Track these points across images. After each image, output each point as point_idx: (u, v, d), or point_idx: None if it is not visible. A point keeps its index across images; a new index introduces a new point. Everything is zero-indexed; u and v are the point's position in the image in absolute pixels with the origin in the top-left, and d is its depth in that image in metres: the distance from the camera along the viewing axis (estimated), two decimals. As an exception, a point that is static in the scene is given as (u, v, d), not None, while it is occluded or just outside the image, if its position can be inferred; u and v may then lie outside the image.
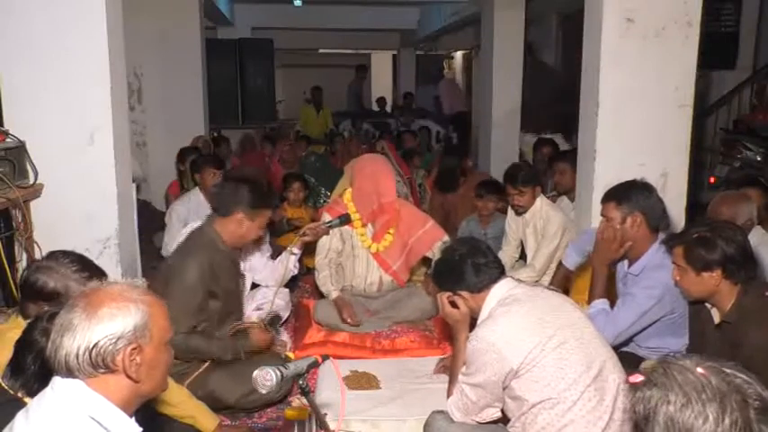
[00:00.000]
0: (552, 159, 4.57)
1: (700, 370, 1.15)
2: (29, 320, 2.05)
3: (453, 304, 2.28)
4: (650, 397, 1.15)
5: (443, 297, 2.30)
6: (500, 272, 2.23)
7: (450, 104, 11.64)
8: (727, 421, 1.09)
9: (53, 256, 2.22)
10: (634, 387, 1.19)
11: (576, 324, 2.09)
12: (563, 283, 3.40)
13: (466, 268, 2.20)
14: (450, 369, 2.42)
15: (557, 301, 2.20)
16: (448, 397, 2.27)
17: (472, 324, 2.26)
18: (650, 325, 2.68)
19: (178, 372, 2.66)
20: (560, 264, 3.42)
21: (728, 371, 1.15)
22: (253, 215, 2.87)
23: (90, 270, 2.13)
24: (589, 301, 2.76)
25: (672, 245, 2.36)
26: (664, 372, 1.16)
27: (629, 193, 2.75)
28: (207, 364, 2.77)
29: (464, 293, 2.23)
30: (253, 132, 8.19)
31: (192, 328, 2.74)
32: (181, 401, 2.37)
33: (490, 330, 2.05)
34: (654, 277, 2.63)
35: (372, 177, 3.60)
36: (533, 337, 2.00)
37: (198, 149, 5.46)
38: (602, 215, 2.81)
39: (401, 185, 5.24)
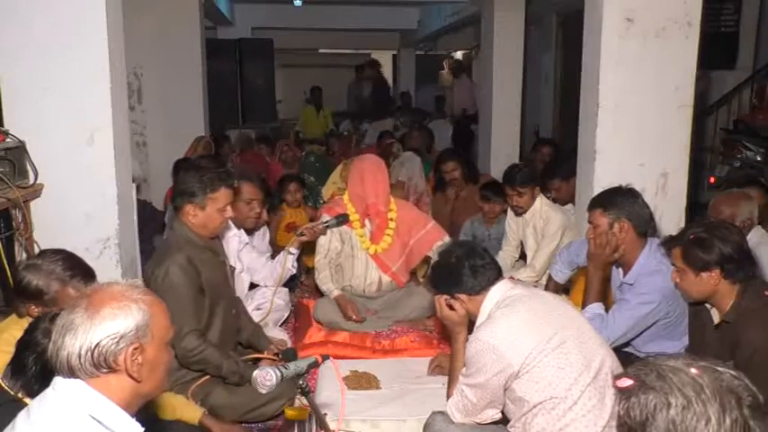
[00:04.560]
0: (545, 176, 4.32)
1: (693, 370, 1.12)
2: (22, 318, 2.07)
3: (451, 307, 2.26)
4: (647, 401, 1.11)
5: (441, 300, 2.28)
6: (497, 273, 2.22)
7: (460, 105, 11.31)
8: (728, 421, 1.07)
9: (43, 254, 2.21)
10: (627, 392, 1.15)
11: (575, 323, 2.09)
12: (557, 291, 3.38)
13: (463, 271, 2.18)
14: (449, 371, 2.41)
15: (554, 302, 2.21)
16: (448, 398, 2.26)
17: (470, 325, 2.25)
18: (645, 330, 2.68)
19: (177, 380, 2.61)
20: (550, 277, 3.41)
21: (720, 369, 1.13)
22: (201, 204, 2.67)
23: (77, 269, 2.11)
24: (583, 306, 2.75)
25: (670, 246, 2.36)
26: (658, 375, 1.13)
27: (615, 199, 2.75)
28: (208, 377, 2.68)
29: (462, 296, 2.21)
30: (250, 132, 8.18)
31: (198, 331, 2.63)
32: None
33: (490, 331, 2.04)
34: (648, 283, 2.64)
35: (361, 179, 3.60)
36: (533, 337, 2.00)
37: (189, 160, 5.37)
38: (588, 222, 2.81)
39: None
